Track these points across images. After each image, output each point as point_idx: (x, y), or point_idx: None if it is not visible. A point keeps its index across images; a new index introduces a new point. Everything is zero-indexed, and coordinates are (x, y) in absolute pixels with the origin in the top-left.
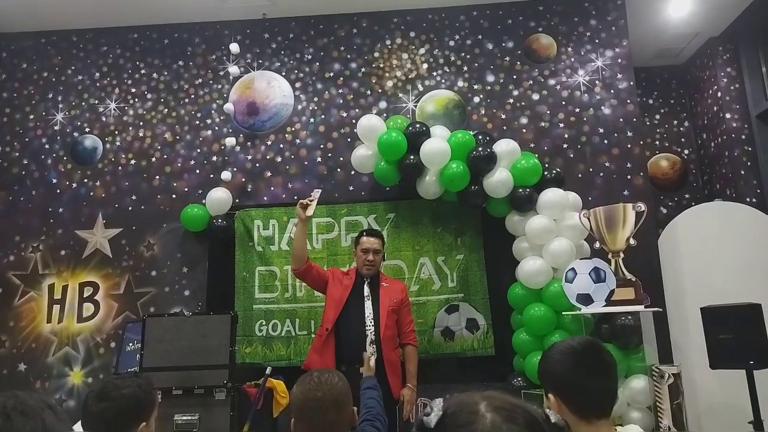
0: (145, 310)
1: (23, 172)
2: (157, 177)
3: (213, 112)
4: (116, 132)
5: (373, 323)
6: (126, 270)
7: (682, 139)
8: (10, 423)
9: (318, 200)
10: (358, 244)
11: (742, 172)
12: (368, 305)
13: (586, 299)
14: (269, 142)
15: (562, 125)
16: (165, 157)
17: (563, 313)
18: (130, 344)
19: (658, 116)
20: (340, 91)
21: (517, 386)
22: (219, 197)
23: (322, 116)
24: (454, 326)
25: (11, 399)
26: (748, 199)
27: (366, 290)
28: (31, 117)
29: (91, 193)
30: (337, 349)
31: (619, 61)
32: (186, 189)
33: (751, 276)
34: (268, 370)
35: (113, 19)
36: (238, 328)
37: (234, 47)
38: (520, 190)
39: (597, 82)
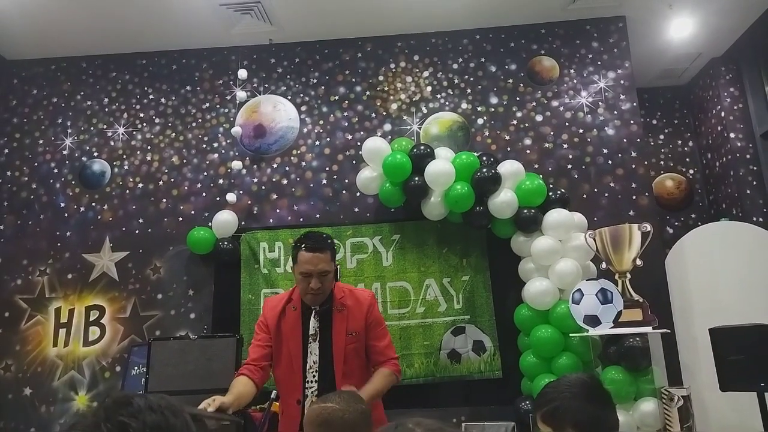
0: (151, 333)
1: (32, 197)
2: (164, 200)
3: (220, 135)
4: (124, 156)
5: (316, 377)
6: (132, 293)
7: (687, 159)
8: (165, 419)
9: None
10: (296, 260)
11: (748, 192)
12: (313, 349)
13: (593, 321)
14: (275, 165)
15: (566, 146)
16: (172, 180)
17: (570, 334)
18: (136, 368)
19: (662, 136)
20: (345, 114)
21: (525, 410)
22: (225, 220)
23: (328, 139)
24: (460, 348)
25: (162, 400)
26: (754, 219)
27: (313, 325)
28: (41, 142)
29: (99, 217)
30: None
31: (622, 82)
32: (192, 212)
33: (759, 296)
34: (273, 394)
35: (122, 46)
36: (243, 352)
37: (242, 73)
38: (525, 210)
39: (600, 103)
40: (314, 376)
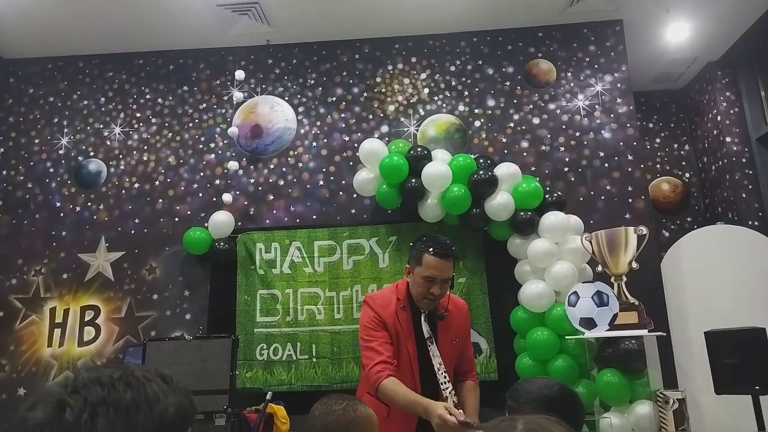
0: (146, 333)
1: (27, 196)
2: (161, 200)
3: (216, 136)
4: (120, 156)
5: (447, 377)
6: (127, 293)
7: (683, 163)
8: (114, 392)
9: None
10: (420, 263)
11: (744, 196)
12: (434, 351)
13: (589, 323)
14: (272, 166)
15: (562, 149)
16: (168, 180)
17: (566, 337)
18: None
19: (658, 140)
20: (343, 115)
21: None
22: (221, 220)
23: (325, 140)
24: None
25: (119, 371)
26: (749, 222)
27: (426, 329)
28: (37, 141)
29: (95, 217)
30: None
31: (619, 85)
32: (189, 212)
33: (754, 299)
34: (269, 396)
35: (119, 45)
36: (238, 353)
37: (239, 74)
38: (522, 213)
39: (597, 106)
40: (445, 377)
